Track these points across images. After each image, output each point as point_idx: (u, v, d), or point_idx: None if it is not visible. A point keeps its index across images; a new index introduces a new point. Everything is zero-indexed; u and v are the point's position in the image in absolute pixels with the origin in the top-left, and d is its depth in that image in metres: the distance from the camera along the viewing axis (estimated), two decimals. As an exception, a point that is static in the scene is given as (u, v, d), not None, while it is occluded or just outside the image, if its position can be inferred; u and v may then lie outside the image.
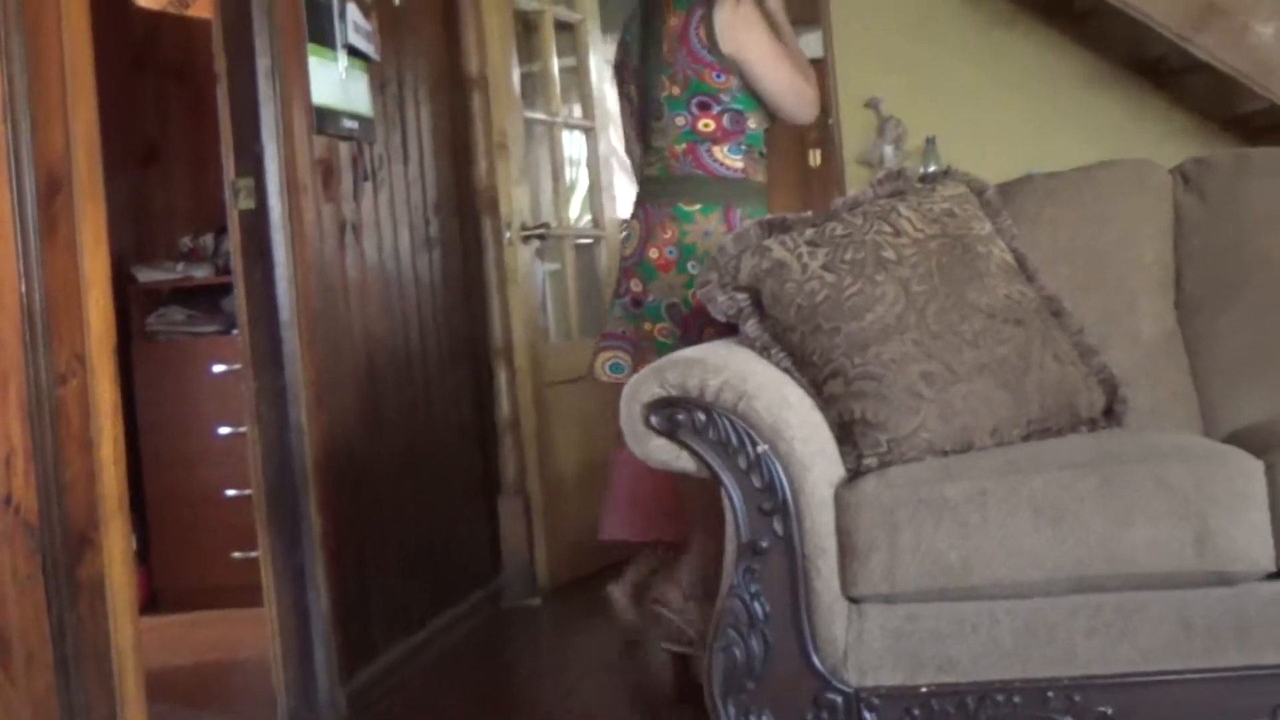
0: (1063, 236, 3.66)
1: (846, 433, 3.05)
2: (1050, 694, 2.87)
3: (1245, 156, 3.88)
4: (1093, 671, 2.88)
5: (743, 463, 2.89)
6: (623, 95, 4.87)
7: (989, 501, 2.85)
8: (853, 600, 2.91)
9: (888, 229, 3.24)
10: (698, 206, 4.40)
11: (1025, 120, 6.44)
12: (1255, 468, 2.87)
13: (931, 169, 5.31)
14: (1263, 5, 5.48)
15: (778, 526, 2.89)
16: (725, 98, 4.46)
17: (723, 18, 4.48)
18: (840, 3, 6.74)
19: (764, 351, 3.17)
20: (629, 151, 4.87)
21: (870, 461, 3.00)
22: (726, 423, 2.90)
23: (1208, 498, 2.82)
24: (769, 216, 3.35)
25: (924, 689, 2.90)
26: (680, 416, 2.93)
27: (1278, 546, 2.84)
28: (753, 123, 4.55)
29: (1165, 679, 2.87)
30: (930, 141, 6.17)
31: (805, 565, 2.90)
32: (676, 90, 4.49)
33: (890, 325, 3.10)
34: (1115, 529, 2.82)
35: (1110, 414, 3.35)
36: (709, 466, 2.94)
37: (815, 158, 11.60)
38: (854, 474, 3.00)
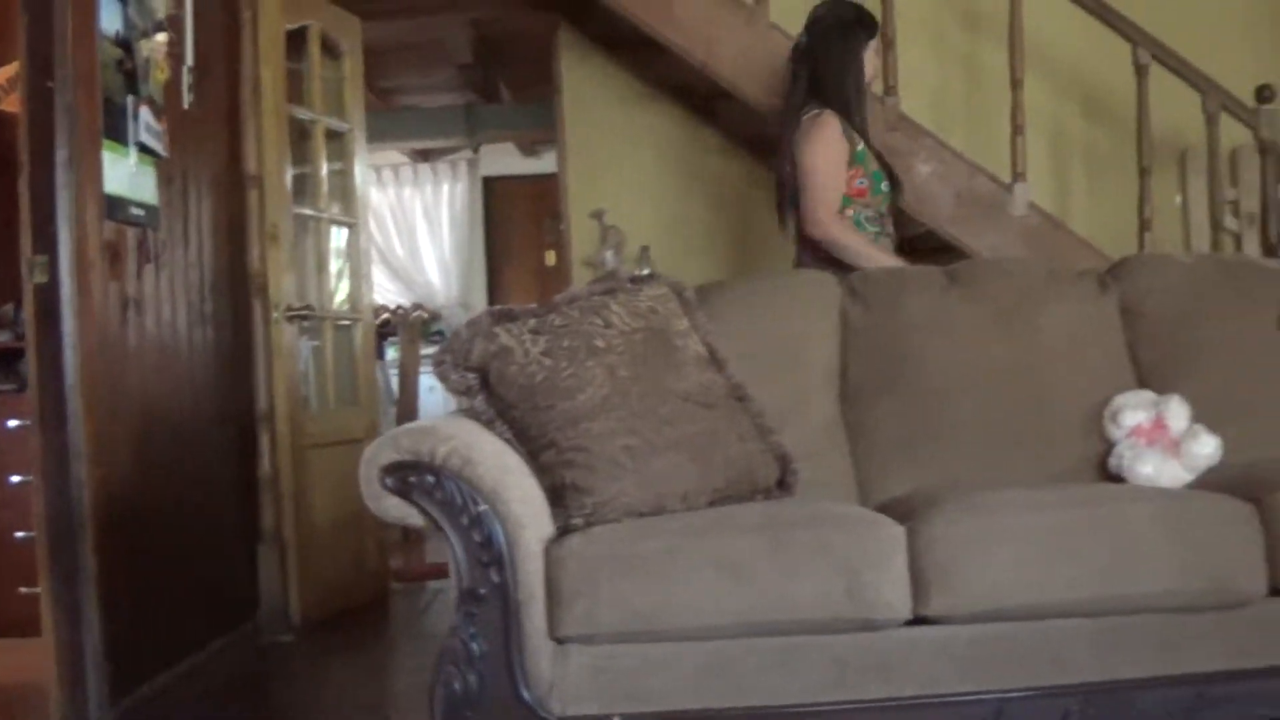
0: (748, 333, 3.71)
1: (558, 496, 3.06)
2: (725, 722, 2.92)
3: (901, 272, 4.00)
4: (762, 703, 2.94)
5: (465, 520, 2.89)
6: None
7: (677, 558, 2.90)
8: (558, 641, 2.93)
9: (599, 322, 3.27)
10: None
11: (729, 234, 6.57)
12: (898, 533, 2.98)
13: (645, 272, 5.38)
14: (923, 148, 5.70)
15: (494, 576, 2.89)
16: None
17: (801, 127, 4.72)
18: (574, 125, 6.84)
19: (489, 424, 3.17)
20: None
21: (577, 521, 3.02)
22: (453, 485, 2.90)
23: (859, 557, 2.90)
24: (498, 307, 3.36)
25: (617, 718, 2.92)
26: (412, 479, 2.92)
27: (914, 597, 2.94)
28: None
29: (822, 710, 2.95)
30: (644, 250, 6.26)
31: (518, 610, 2.90)
32: None
33: (599, 404, 3.12)
34: (783, 582, 2.88)
35: (783, 485, 3.41)
36: (436, 523, 2.93)
37: (551, 258, 11.67)
38: (563, 532, 3.01)
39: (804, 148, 4.70)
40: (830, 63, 4.82)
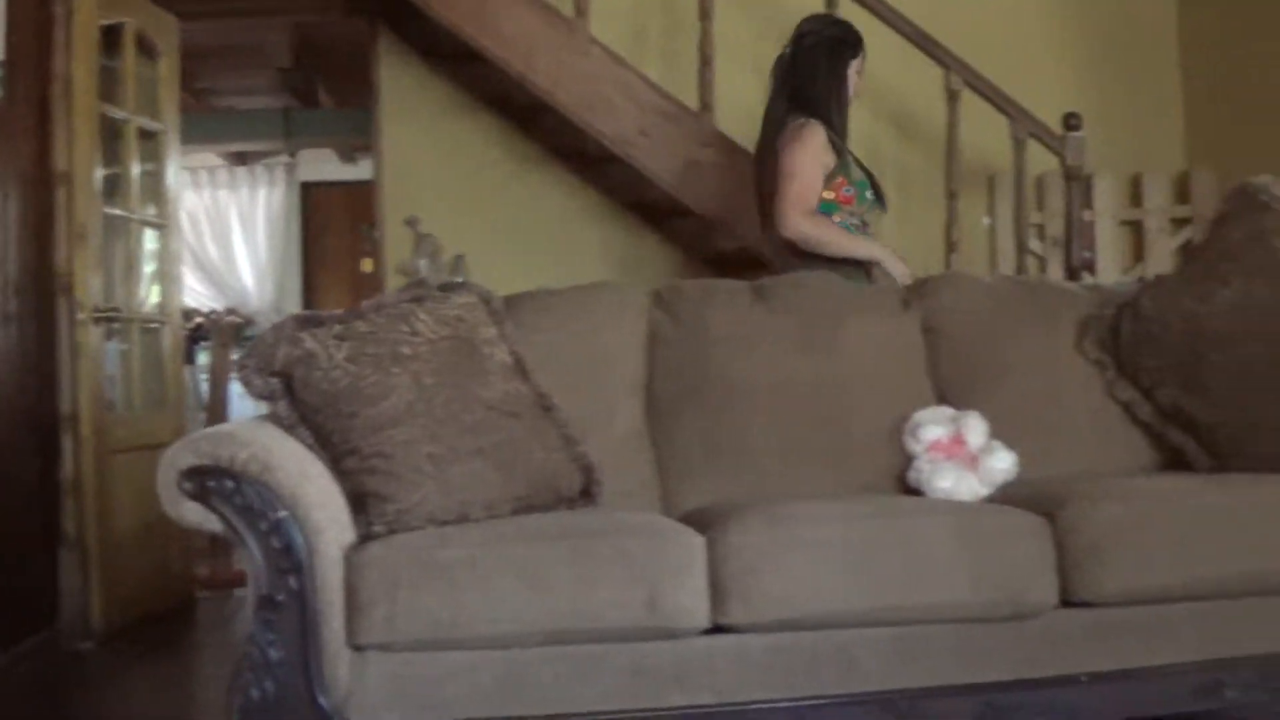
0: (556, 343, 3.71)
1: (359, 503, 3.04)
2: (524, 731, 2.92)
3: (709, 286, 4.01)
4: (561, 711, 2.94)
5: (264, 526, 2.86)
6: None
7: (477, 566, 2.89)
8: (357, 648, 2.90)
9: (406, 329, 3.25)
10: None
11: (545, 245, 6.60)
12: (698, 542, 3.01)
13: (456, 280, 5.36)
14: (735, 166, 5.75)
15: (293, 583, 2.86)
16: None
17: (785, 133, 4.79)
18: (392, 132, 6.81)
19: (291, 429, 3.14)
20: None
21: (379, 529, 3.00)
22: (252, 490, 2.86)
23: (659, 566, 2.92)
24: (305, 313, 3.33)
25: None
26: (211, 483, 2.88)
27: (713, 606, 2.97)
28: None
29: (622, 717, 2.96)
30: (459, 258, 6.23)
31: (316, 617, 2.87)
32: None
33: (402, 411, 3.11)
34: (583, 591, 2.89)
35: (587, 495, 3.42)
36: (234, 528, 2.89)
37: (368, 265, 11.58)
38: (364, 539, 2.99)
39: (787, 151, 4.78)
40: (816, 78, 4.92)
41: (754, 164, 5.13)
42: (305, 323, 3.24)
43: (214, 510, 2.90)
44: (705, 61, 5.90)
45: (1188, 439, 3.81)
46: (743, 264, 5.97)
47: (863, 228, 4.86)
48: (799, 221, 4.70)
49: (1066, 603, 3.18)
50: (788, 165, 4.75)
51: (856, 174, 4.87)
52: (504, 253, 6.45)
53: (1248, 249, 3.79)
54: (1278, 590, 3.28)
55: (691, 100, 5.96)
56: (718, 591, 2.97)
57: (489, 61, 6.01)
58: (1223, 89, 6.98)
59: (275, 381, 3.18)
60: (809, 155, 4.75)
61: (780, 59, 5.02)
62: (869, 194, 4.89)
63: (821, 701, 3.04)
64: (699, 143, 5.79)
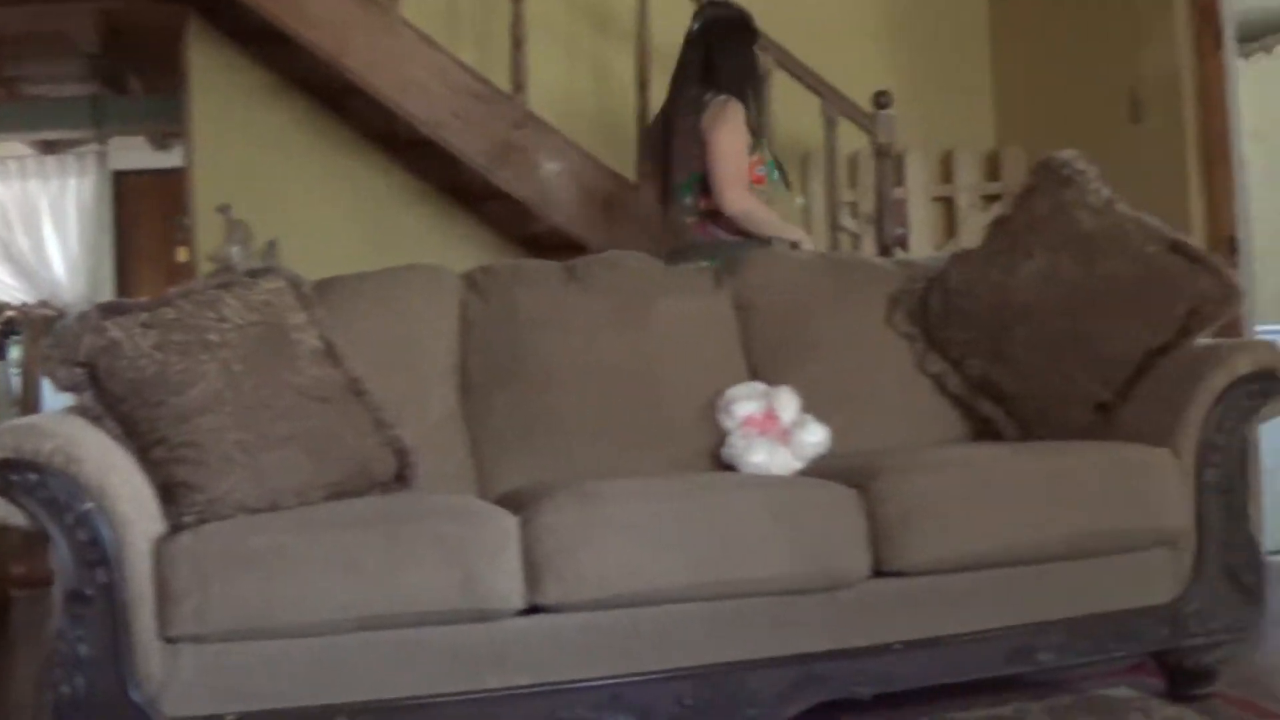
0: (368, 327, 3.68)
1: (169, 494, 3.00)
2: (341, 718, 2.90)
3: (520, 266, 4.01)
4: (378, 696, 2.93)
5: (70, 519, 2.80)
6: (650, 188, 5.19)
7: (289, 553, 2.87)
8: (169, 640, 2.86)
9: (213, 315, 3.20)
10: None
11: (360, 230, 6.55)
12: (512, 523, 3.02)
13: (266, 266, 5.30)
14: (550, 146, 5.77)
15: (101, 576, 2.80)
16: None
17: (709, 112, 4.87)
18: (203, 119, 6.70)
19: (97, 421, 3.07)
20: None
21: (189, 519, 2.96)
22: (57, 483, 2.80)
23: (472, 548, 2.93)
24: (110, 301, 3.27)
25: (231, 717, 2.87)
26: (14, 477, 2.80)
27: (528, 587, 2.98)
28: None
29: (440, 701, 2.97)
30: (272, 244, 6.16)
31: (125, 611, 2.82)
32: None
33: (210, 399, 3.07)
34: (395, 575, 2.89)
35: (401, 479, 3.40)
36: (41, 523, 2.83)
37: (183, 254, 11.37)
38: (174, 530, 2.95)
39: (716, 130, 4.86)
40: (728, 55, 5.04)
41: (651, 137, 5.25)
42: (110, 311, 3.18)
43: (19, 504, 2.83)
44: (517, 43, 5.89)
45: (996, 409, 3.91)
46: (557, 246, 5.98)
47: (770, 204, 5.01)
48: (741, 198, 4.83)
49: (879, 572, 3.24)
50: (721, 145, 4.85)
51: (767, 153, 5.03)
52: (318, 238, 6.37)
53: (1051, 222, 3.89)
54: (1084, 553, 3.39)
55: (505, 82, 5.95)
56: (533, 572, 2.98)
57: (300, 45, 5.94)
58: (1031, 69, 7.13)
59: (80, 372, 3.11)
60: (736, 134, 4.88)
61: (688, 33, 5.15)
62: (776, 174, 5.06)
63: (639, 678, 3.07)
64: (512, 124, 5.78)
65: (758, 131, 4.99)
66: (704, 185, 4.87)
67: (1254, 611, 3.52)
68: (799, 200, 7.05)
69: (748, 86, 5.05)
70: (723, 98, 4.92)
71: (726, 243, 4.82)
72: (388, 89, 5.85)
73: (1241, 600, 3.48)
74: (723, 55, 5.03)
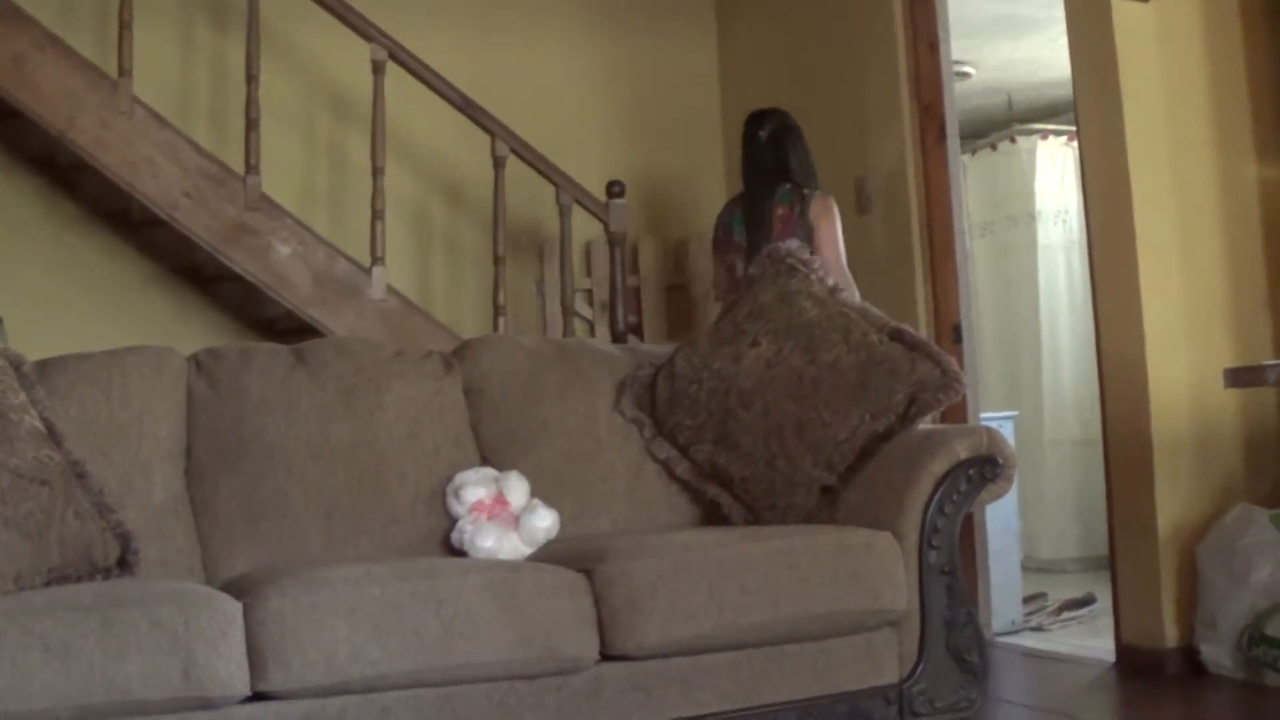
0: (89, 409, 3.61)
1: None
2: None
3: (247, 349, 3.95)
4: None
5: None
6: (723, 266, 5.79)
7: (3, 640, 2.78)
8: None
9: (-74, 396, 3.12)
10: None
11: (91, 309, 6.42)
12: (236, 609, 2.96)
13: (-9, 346, 5.15)
14: (283, 229, 5.75)
15: None
16: None
17: (815, 205, 5.58)
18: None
19: None
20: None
21: (-103, 605, 2.86)
22: None
23: (194, 635, 2.86)
24: None
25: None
26: None
27: (253, 673, 2.93)
28: None
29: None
30: (-3, 324, 5.98)
31: None
32: None
33: (-78, 483, 2.98)
34: (113, 663, 2.80)
35: (124, 564, 3.33)
36: None
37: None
38: (-119, 617, 2.84)
39: (827, 220, 5.58)
40: (799, 153, 5.80)
41: (728, 229, 5.80)
42: None
43: None
44: (250, 124, 5.86)
45: (723, 493, 3.99)
46: (292, 330, 5.94)
47: None
48: (844, 280, 5.33)
49: (607, 656, 3.27)
50: (833, 233, 5.56)
51: None
52: (44, 318, 6.21)
53: (776, 310, 4.00)
54: (811, 635, 3.46)
55: (239, 164, 5.91)
56: (257, 658, 2.93)
57: (28, 119, 5.82)
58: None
59: None
60: (837, 224, 5.60)
61: (756, 137, 5.83)
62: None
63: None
64: (244, 206, 5.75)
65: None
66: None
67: (978, 690, 3.63)
68: (534, 287, 7.12)
69: (818, 175, 5.80)
70: (820, 191, 5.65)
71: None
72: (117, 166, 5.76)
73: (966, 679, 3.59)
74: (796, 155, 5.77)
